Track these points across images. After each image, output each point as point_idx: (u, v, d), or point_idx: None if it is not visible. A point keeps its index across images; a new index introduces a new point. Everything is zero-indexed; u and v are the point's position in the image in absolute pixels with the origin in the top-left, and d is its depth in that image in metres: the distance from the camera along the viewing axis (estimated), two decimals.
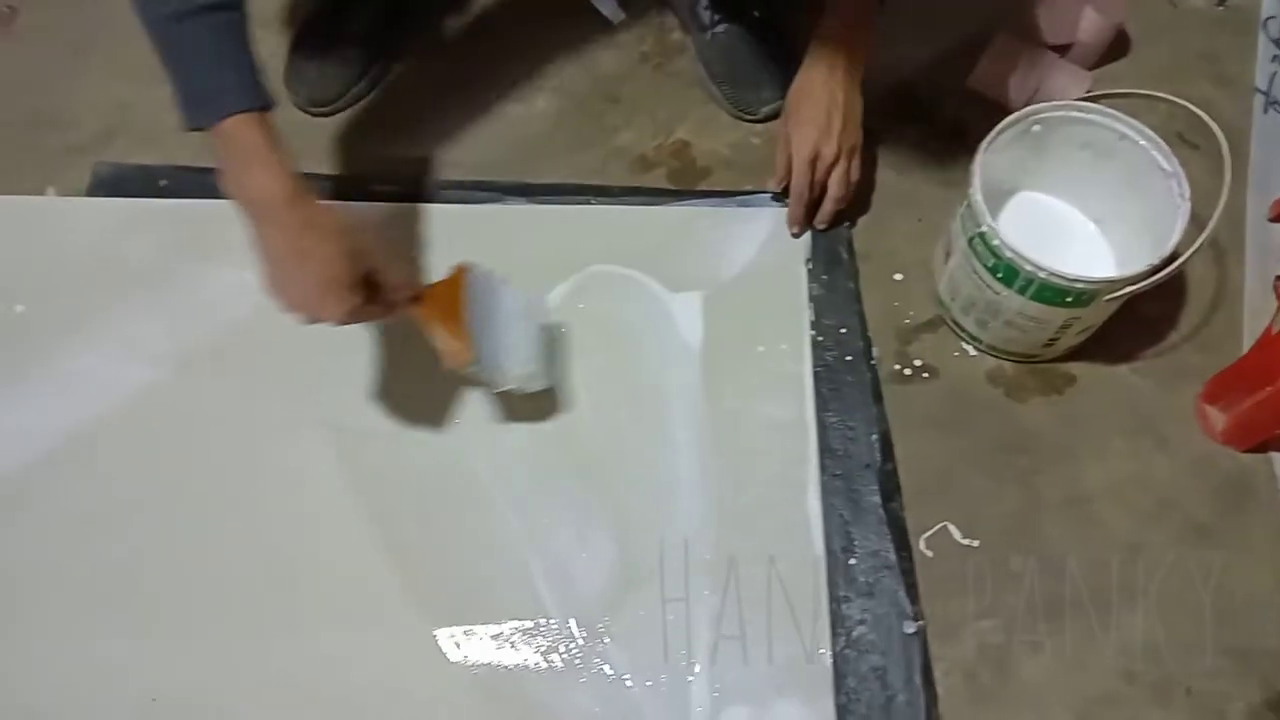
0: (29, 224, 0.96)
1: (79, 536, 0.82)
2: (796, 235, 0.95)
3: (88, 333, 0.91)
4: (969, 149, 1.01)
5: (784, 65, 0.99)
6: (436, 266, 0.93)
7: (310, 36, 1.03)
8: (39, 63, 1.07)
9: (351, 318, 0.72)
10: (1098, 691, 0.80)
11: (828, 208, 0.93)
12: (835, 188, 0.91)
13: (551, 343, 0.88)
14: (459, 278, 0.80)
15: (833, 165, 0.90)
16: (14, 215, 0.96)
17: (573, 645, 0.79)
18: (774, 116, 1.01)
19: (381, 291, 0.74)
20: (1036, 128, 0.85)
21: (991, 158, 0.84)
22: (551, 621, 0.80)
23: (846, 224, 0.97)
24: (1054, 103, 0.85)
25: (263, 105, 0.69)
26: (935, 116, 1.04)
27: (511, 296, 0.83)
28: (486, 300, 0.80)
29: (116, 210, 0.97)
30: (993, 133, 0.83)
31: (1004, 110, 1.00)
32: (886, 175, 1.01)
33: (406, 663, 0.79)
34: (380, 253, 0.73)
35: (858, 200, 0.97)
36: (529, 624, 0.80)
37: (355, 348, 0.89)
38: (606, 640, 0.79)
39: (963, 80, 1.04)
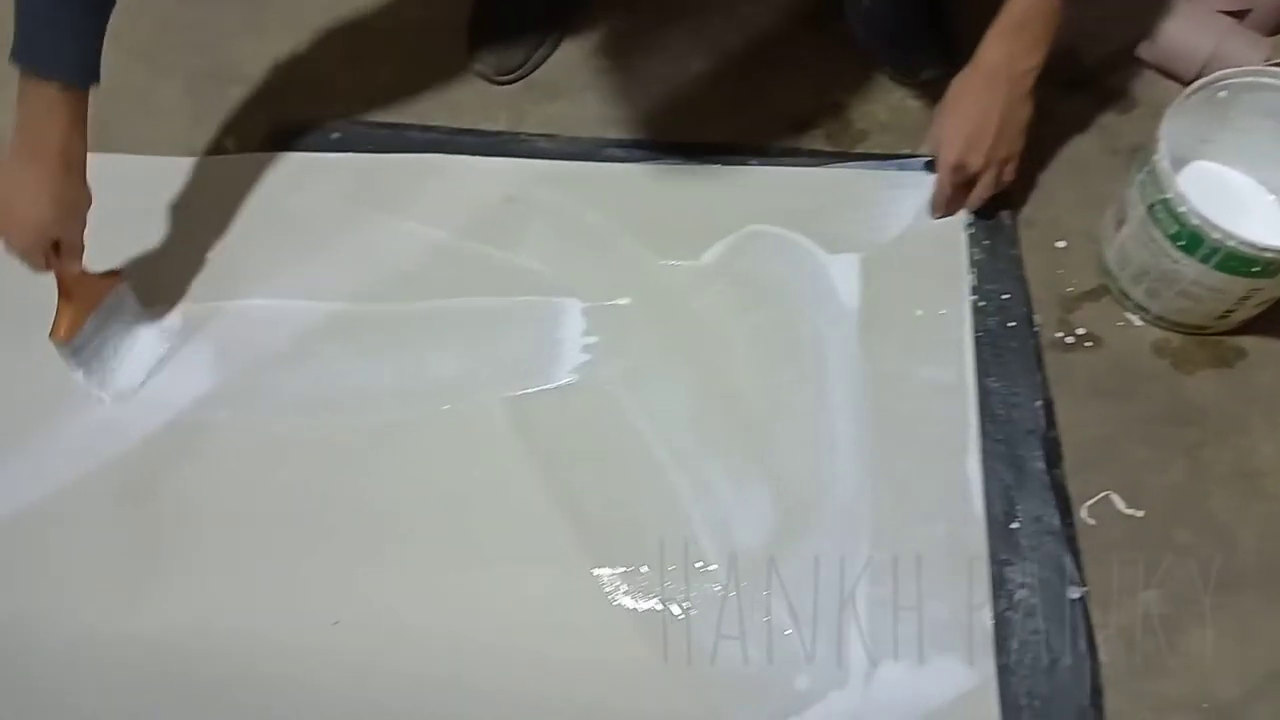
0: (214, 179, 1.01)
1: (262, 465, 0.87)
2: (937, 218, 0.94)
3: (269, 280, 0.96)
4: (1136, 119, 1.00)
5: (945, 27, 0.98)
6: (592, 224, 0.96)
7: (492, 11, 1.06)
8: (217, 18, 1.12)
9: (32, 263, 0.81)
10: (1267, 667, 0.78)
11: (971, 204, 0.92)
12: (980, 191, 0.90)
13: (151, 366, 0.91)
14: (110, 282, 0.88)
15: (979, 174, 0.88)
16: (200, 171, 1.02)
17: (731, 594, 0.81)
18: (933, 80, 1.00)
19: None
20: (1222, 94, 0.83)
21: (1172, 125, 0.82)
22: (711, 568, 0.82)
23: (1011, 200, 0.95)
24: (1242, 68, 0.83)
25: (85, 80, 0.76)
26: (1101, 84, 1.02)
27: (130, 320, 0.90)
28: (113, 310, 0.88)
29: (292, 164, 1.01)
30: (1179, 98, 0.81)
31: (1175, 79, 0.99)
32: (1051, 143, 0.99)
33: (571, 600, 0.81)
34: (75, 233, 0.82)
35: (1018, 171, 0.96)
36: (694, 571, 0.82)
37: None
38: (765, 591, 0.81)
39: (1131, 47, 1.01)
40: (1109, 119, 1.00)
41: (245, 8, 1.12)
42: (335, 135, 1.02)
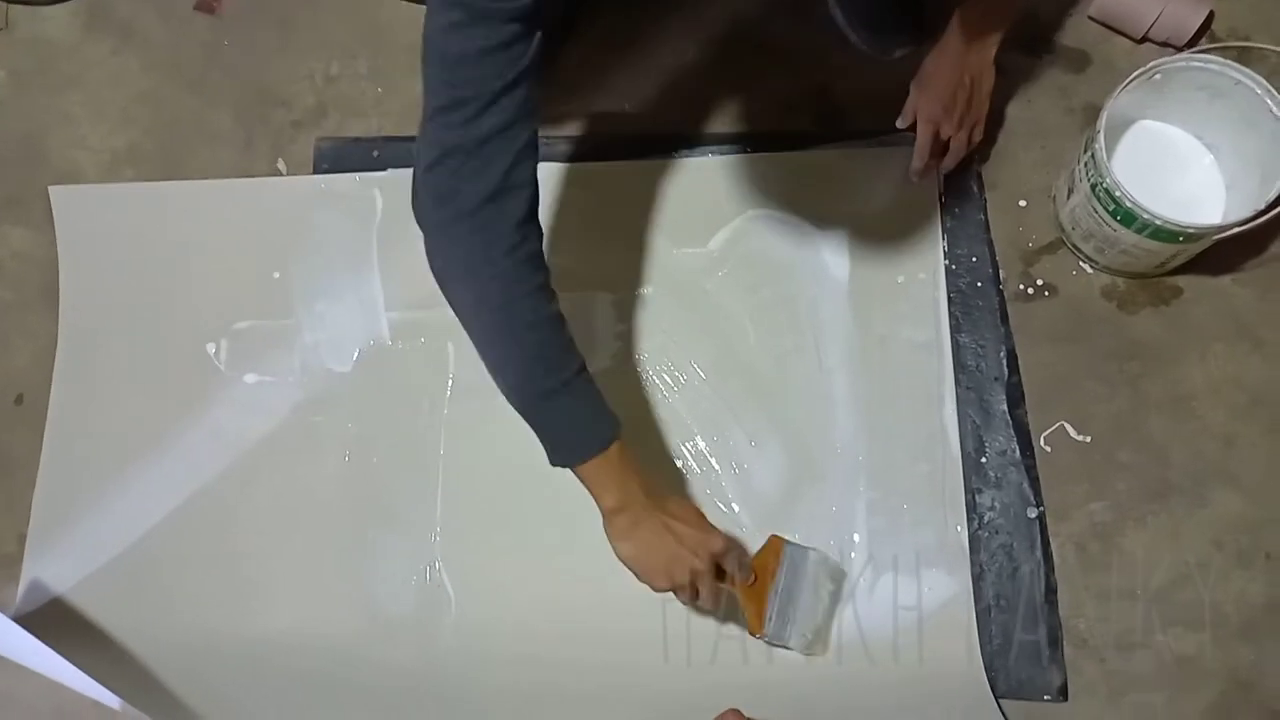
0: (272, 201, 1.14)
1: (344, 462, 1.05)
2: (916, 180, 1.06)
3: (333, 292, 1.10)
4: (1091, 77, 1.10)
5: (916, 8, 1.07)
6: (614, 220, 1.09)
7: None
8: (250, 42, 1.21)
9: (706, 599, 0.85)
10: (1191, 557, 0.97)
11: (948, 164, 1.04)
12: (954, 152, 1.02)
13: (834, 605, 0.95)
14: (775, 551, 0.91)
15: (952, 138, 1.00)
16: (259, 194, 1.14)
17: (754, 530, 0.99)
18: (907, 57, 1.10)
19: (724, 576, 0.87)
20: (1157, 77, 0.94)
21: (1111, 111, 0.94)
22: (737, 509, 1.00)
23: (976, 159, 1.08)
24: (1173, 56, 0.94)
25: (619, 430, 0.81)
26: (1058, 45, 1.12)
27: (815, 566, 0.92)
28: (793, 571, 0.91)
29: (339, 183, 1.13)
30: (1116, 91, 0.93)
31: (1126, 38, 1.09)
32: (1011, 105, 1.11)
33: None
34: (720, 539, 0.85)
35: (985, 134, 1.07)
36: (723, 514, 1.00)
37: None
38: (783, 526, 0.98)
39: (1084, 9, 1.11)
40: (1065, 79, 1.11)
41: (275, 31, 1.20)
42: (376, 153, 1.14)
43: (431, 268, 0.78)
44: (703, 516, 0.86)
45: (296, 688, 0.98)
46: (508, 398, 0.80)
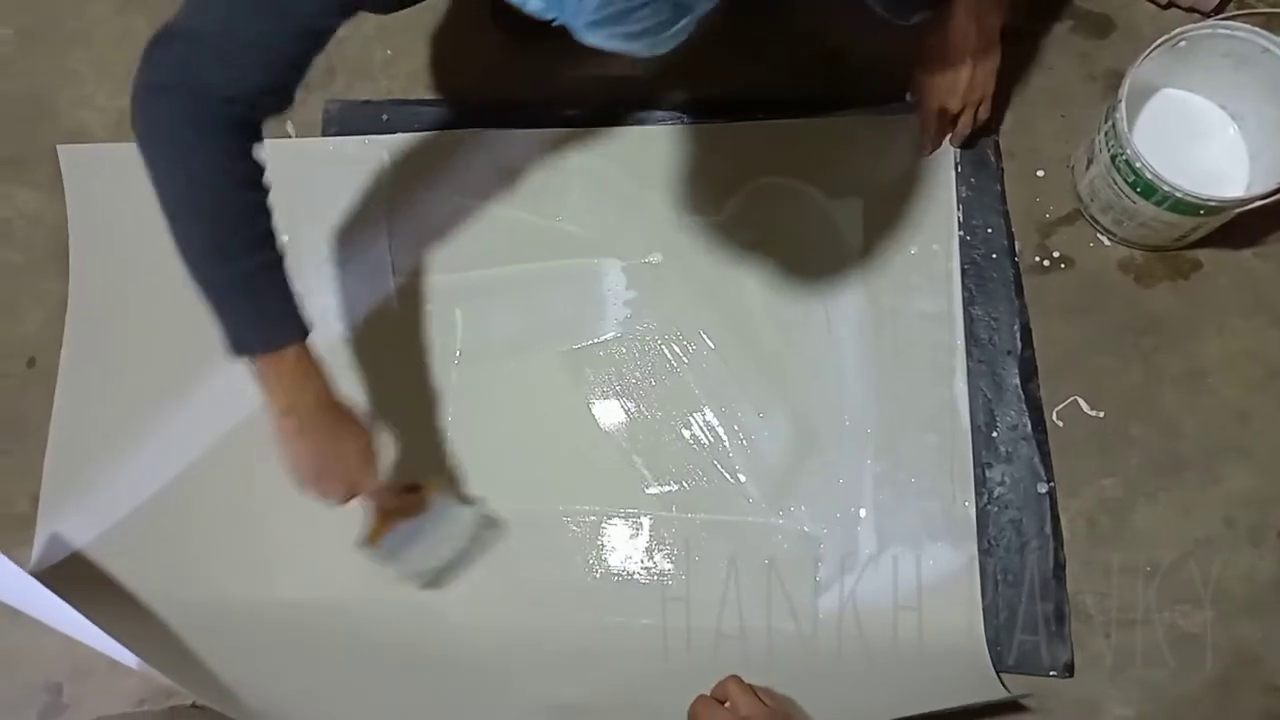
0: (282, 162, 1.12)
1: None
2: (927, 154, 1.05)
3: (341, 256, 1.10)
4: (1113, 44, 1.08)
5: None
6: (623, 187, 1.08)
7: None
8: None
9: (366, 497, 0.87)
10: (1201, 534, 0.96)
11: (954, 142, 1.02)
12: (960, 130, 1.01)
13: (458, 560, 0.98)
14: (425, 495, 0.93)
15: (958, 115, 0.98)
16: (271, 156, 1.12)
17: (761, 502, 0.99)
18: (925, 22, 1.07)
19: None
20: (1182, 44, 0.92)
21: (1134, 80, 0.91)
22: (743, 480, 1.00)
23: (994, 128, 1.06)
24: (1200, 22, 0.91)
25: (304, 334, 0.79)
26: (1080, 11, 1.09)
27: (457, 522, 0.96)
28: (435, 518, 0.93)
29: (348, 146, 1.13)
30: (1139, 58, 0.90)
31: (1151, 2, 1.06)
32: (1030, 72, 1.08)
33: (620, 514, 1.00)
34: (374, 470, 0.87)
35: (1001, 102, 1.05)
36: (729, 484, 1.00)
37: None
38: (789, 496, 0.99)
39: None
40: (1086, 45, 1.08)
41: None
42: (385, 116, 1.13)
43: (134, 128, 0.75)
44: (368, 442, 0.85)
45: (304, 648, 0.99)
46: (190, 273, 0.76)
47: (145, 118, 0.75)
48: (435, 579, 0.98)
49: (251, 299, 0.77)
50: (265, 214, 0.78)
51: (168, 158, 0.75)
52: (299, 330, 0.79)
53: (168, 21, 0.74)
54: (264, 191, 0.78)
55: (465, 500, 1.00)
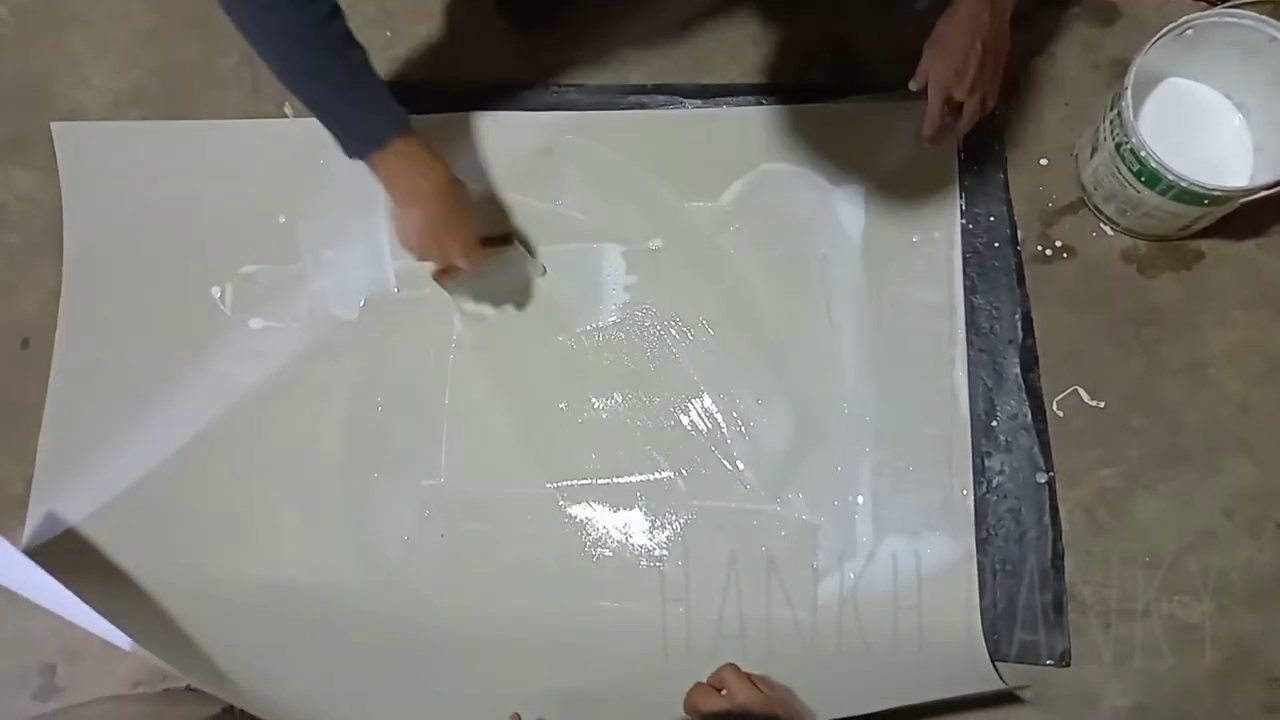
0: (280, 144, 1.12)
1: (353, 405, 1.05)
2: (928, 146, 1.03)
3: (340, 239, 1.09)
4: (1119, 32, 1.07)
5: None
6: (625, 171, 1.07)
7: None
8: None
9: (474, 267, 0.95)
10: (1200, 526, 0.96)
11: (960, 129, 1.01)
12: (966, 118, 0.99)
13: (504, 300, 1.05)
14: (502, 245, 1.01)
15: (965, 103, 0.97)
16: (266, 137, 1.13)
17: (760, 489, 0.99)
18: (930, 9, 1.06)
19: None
20: (1189, 32, 0.91)
21: (1140, 69, 0.91)
22: (741, 467, 1.00)
23: (997, 116, 1.05)
24: (1207, 10, 0.90)
25: (408, 126, 0.85)
26: None
27: (521, 270, 1.04)
28: (505, 265, 1.02)
29: None
30: (1145, 46, 0.89)
31: None
32: (1034, 60, 1.07)
33: (617, 501, 1.00)
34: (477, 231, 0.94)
35: (1006, 90, 1.04)
36: (727, 472, 0.99)
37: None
38: (787, 484, 0.98)
39: None
40: (1091, 33, 1.07)
41: None
42: None
43: None
44: (471, 226, 0.92)
45: (298, 631, 0.99)
46: (292, 90, 0.81)
47: None
48: (480, 313, 1.05)
49: (348, 108, 0.82)
50: (337, 18, 0.80)
51: None
52: (395, 125, 0.84)
53: None
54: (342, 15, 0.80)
55: (531, 254, 1.05)
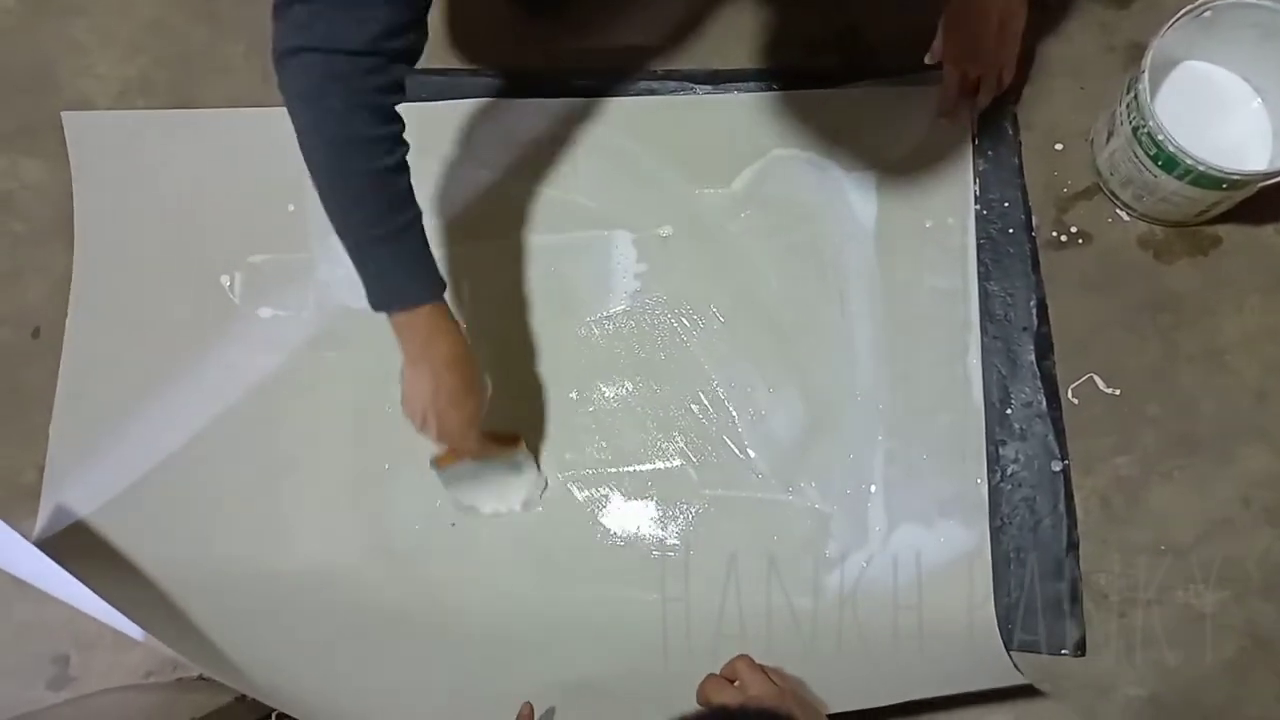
0: (288, 132, 1.11)
1: (357, 398, 1.04)
2: (944, 124, 1.03)
3: None
4: (1135, 14, 1.06)
5: None
6: (634, 158, 1.07)
7: None
8: None
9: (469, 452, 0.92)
10: (1217, 514, 0.95)
11: (980, 104, 1.00)
12: (983, 95, 0.98)
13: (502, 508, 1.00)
14: (508, 445, 0.96)
15: (980, 79, 0.96)
16: (275, 125, 1.11)
17: (770, 477, 0.98)
18: None
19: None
20: (1207, 13, 0.90)
21: (1157, 51, 0.89)
22: (753, 455, 0.99)
23: (1011, 99, 1.04)
24: None
25: (440, 295, 0.83)
26: None
27: (517, 475, 0.98)
28: (501, 465, 0.97)
29: None
30: (1162, 29, 0.88)
31: None
32: (1049, 43, 1.06)
33: (627, 489, 0.99)
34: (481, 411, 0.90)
35: (1020, 73, 1.03)
36: (738, 460, 0.99)
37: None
38: (799, 473, 0.98)
39: None
40: (1107, 15, 1.06)
41: None
42: None
43: (281, 91, 0.76)
44: (477, 405, 0.88)
45: (309, 621, 0.98)
46: (339, 235, 0.80)
47: (284, 81, 0.75)
48: (475, 514, 1.00)
49: (388, 260, 0.80)
50: (402, 174, 0.79)
51: (306, 120, 0.76)
52: (431, 290, 0.83)
53: None
54: (402, 149, 0.79)
55: (538, 463, 1.01)
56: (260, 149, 1.11)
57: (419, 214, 0.81)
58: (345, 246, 0.80)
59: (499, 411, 0.92)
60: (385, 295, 0.82)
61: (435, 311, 0.83)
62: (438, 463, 0.94)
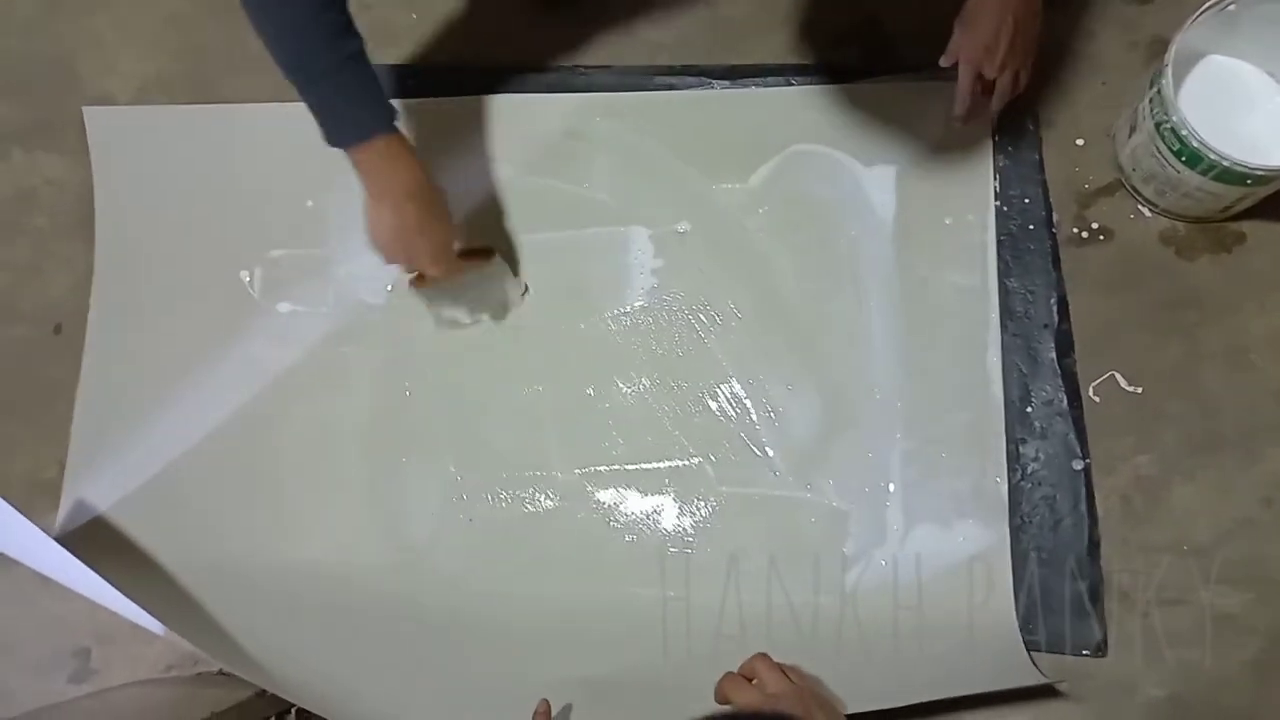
0: (307, 127, 1.11)
1: (376, 392, 1.04)
2: (959, 125, 1.02)
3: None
4: (1157, 9, 1.05)
5: None
6: (651, 153, 1.06)
7: None
8: None
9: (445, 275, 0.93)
10: (1238, 515, 0.94)
11: (993, 108, 0.99)
12: (998, 96, 0.97)
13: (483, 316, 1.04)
14: (482, 258, 0.99)
15: (996, 81, 0.95)
16: (294, 120, 1.11)
17: (788, 475, 0.98)
18: None
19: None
20: (1231, 8, 0.89)
21: (1180, 45, 0.88)
22: (770, 453, 0.99)
23: (1031, 97, 1.02)
24: None
25: (394, 124, 0.84)
26: None
27: (493, 278, 1.01)
28: (478, 278, 1.00)
29: None
30: (1186, 24, 0.87)
31: None
32: (1071, 38, 1.05)
33: (644, 486, 0.99)
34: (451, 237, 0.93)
35: (1041, 69, 1.02)
36: (756, 458, 0.98)
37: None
38: (817, 471, 0.97)
39: None
40: (1129, 10, 1.05)
41: None
42: (411, 81, 1.11)
43: None
44: (446, 231, 0.90)
45: (327, 616, 0.99)
46: (285, 73, 0.81)
47: None
48: (458, 327, 1.04)
49: (335, 95, 0.82)
50: (342, 9, 0.80)
51: None
52: (383, 120, 0.83)
53: None
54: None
55: (514, 271, 1.03)
56: (280, 144, 1.11)
57: (363, 46, 0.82)
58: (296, 87, 0.81)
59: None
60: (339, 128, 0.83)
61: (391, 142, 0.84)
62: (414, 283, 0.97)
